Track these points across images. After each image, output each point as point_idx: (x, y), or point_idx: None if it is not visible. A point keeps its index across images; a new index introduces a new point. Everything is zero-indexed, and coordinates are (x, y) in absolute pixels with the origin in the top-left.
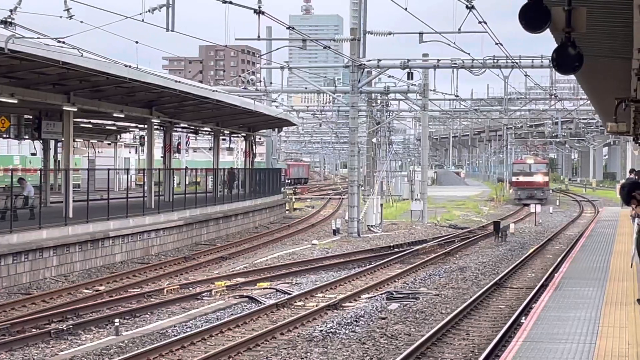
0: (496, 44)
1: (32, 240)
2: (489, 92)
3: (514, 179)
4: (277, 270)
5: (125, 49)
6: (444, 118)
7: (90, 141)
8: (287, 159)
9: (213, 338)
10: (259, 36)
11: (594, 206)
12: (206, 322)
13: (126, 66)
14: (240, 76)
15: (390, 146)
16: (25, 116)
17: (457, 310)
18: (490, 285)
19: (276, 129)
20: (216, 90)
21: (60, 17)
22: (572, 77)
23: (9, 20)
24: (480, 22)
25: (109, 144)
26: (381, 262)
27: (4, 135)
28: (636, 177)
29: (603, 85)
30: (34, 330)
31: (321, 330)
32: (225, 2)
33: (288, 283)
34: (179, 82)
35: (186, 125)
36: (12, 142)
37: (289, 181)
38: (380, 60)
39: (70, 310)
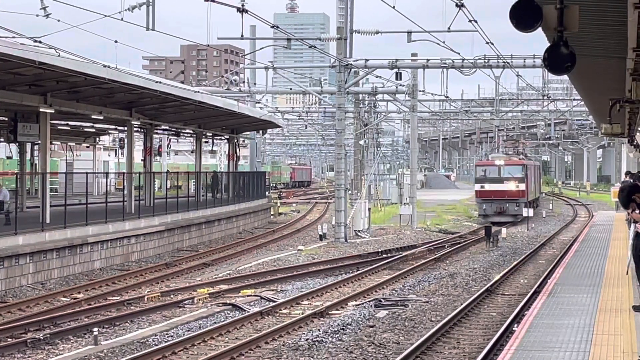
0: (487, 43)
1: (7, 246)
2: (479, 93)
3: (477, 187)
4: (262, 277)
5: (104, 48)
6: (433, 119)
7: (68, 144)
8: (291, 164)
9: (195, 347)
10: (242, 35)
11: (588, 210)
12: (188, 330)
13: (105, 66)
14: (223, 76)
15: (378, 149)
16: (0, 118)
17: (448, 318)
18: (481, 291)
19: (260, 131)
20: (198, 91)
21: (37, 15)
22: (566, 77)
23: None
24: (470, 21)
25: (87, 147)
26: (369, 268)
27: None
28: (632, 179)
29: (597, 86)
30: (9, 339)
31: (307, 339)
32: (207, 1)
33: (273, 290)
34: (160, 82)
35: (167, 127)
36: None
37: (295, 183)
38: (367, 60)
39: (48, 319)
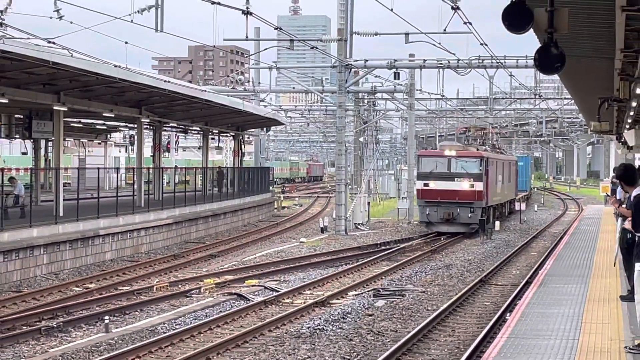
0: (481, 44)
1: (22, 238)
2: (474, 92)
3: (418, 184)
4: (266, 268)
5: (115, 49)
6: (430, 117)
7: (81, 140)
8: (307, 160)
9: (202, 335)
10: (247, 37)
11: (578, 204)
12: (195, 319)
13: (116, 66)
14: (229, 76)
15: (377, 145)
16: (16, 116)
17: (443, 307)
18: (475, 282)
19: (264, 128)
20: (205, 90)
21: (50, 17)
22: (557, 77)
23: (0, 20)
24: (465, 23)
25: (99, 143)
26: (368, 259)
27: None
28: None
29: (586, 85)
30: (24, 327)
31: (309, 327)
32: (213, 3)
33: (276, 280)
34: (168, 82)
35: (175, 125)
36: (3, 142)
37: (310, 178)
38: (367, 60)
39: (61, 308)
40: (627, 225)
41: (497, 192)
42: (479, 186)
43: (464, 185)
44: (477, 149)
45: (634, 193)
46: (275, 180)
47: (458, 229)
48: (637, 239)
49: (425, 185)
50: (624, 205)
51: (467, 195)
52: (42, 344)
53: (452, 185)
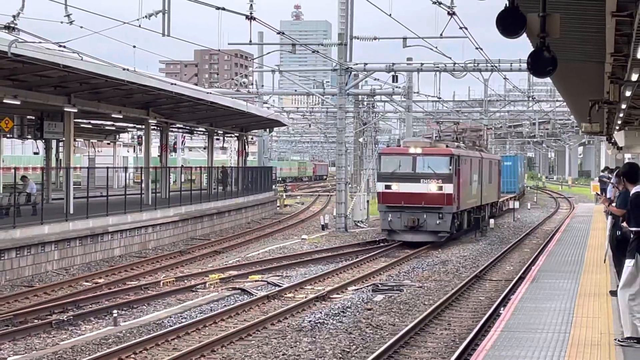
0: (476, 48)
1: (34, 235)
2: (470, 94)
3: (379, 187)
4: (268, 264)
5: (124, 53)
6: (427, 119)
7: (90, 141)
8: (313, 160)
9: (207, 328)
10: (250, 41)
11: (570, 202)
12: (200, 313)
13: (124, 69)
14: (233, 79)
15: (376, 145)
16: (28, 117)
17: (439, 302)
18: (470, 277)
19: (267, 129)
20: (210, 92)
21: (61, 22)
22: (549, 80)
23: (12, 25)
24: (461, 28)
25: (108, 144)
26: (367, 255)
27: (8, 135)
28: (609, 174)
29: (577, 88)
30: (36, 321)
31: (310, 321)
32: (218, 9)
33: (278, 276)
34: (175, 84)
35: (182, 126)
36: (16, 142)
37: (316, 177)
38: (366, 64)
39: (71, 302)
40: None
41: (473, 195)
42: (449, 188)
43: (431, 187)
44: (447, 146)
45: (634, 190)
46: (284, 178)
47: (425, 238)
48: (631, 235)
49: (387, 187)
50: (614, 204)
51: (435, 199)
52: (53, 336)
53: (418, 187)
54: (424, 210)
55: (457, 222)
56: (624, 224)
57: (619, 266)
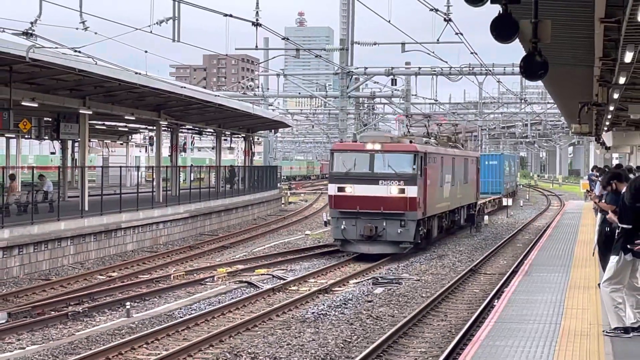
0: (471, 53)
1: (51, 231)
2: (465, 97)
3: (331, 189)
4: (274, 258)
5: (136, 57)
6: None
7: (104, 141)
8: (320, 159)
9: (215, 319)
10: (256, 46)
11: (560, 200)
12: (209, 305)
13: (137, 73)
14: (240, 82)
15: None
16: (45, 119)
17: (436, 294)
18: (466, 271)
19: (273, 130)
20: (218, 95)
21: (77, 28)
22: (541, 83)
23: (30, 31)
24: (457, 34)
25: (121, 144)
26: None
27: (26, 136)
28: (599, 174)
29: (568, 91)
30: (52, 312)
31: (313, 312)
32: (226, 16)
33: (283, 269)
34: (185, 87)
35: (191, 127)
36: (33, 142)
37: (324, 175)
38: (366, 68)
39: (86, 295)
40: (611, 216)
41: (444, 197)
42: (412, 191)
43: (391, 190)
44: (411, 141)
45: (624, 189)
46: (294, 176)
47: (383, 250)
48: (616, 232)
49: (340, 190)
50: (603, 201)
51: (396, 204)
52: (69, 327)
53: (376, 190)
54: (383, 217)
55: (423, 230)
56: (610, 217)
57: (604, 261)
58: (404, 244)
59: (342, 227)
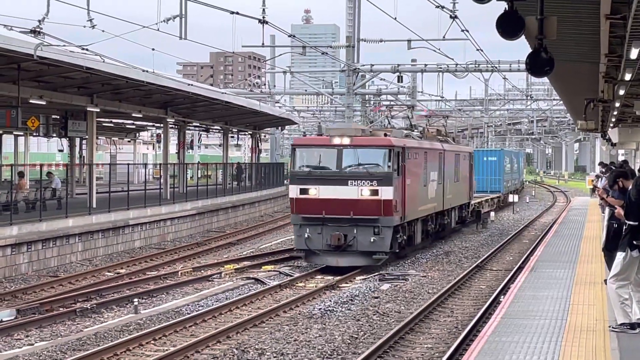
0: (477, 50)
1: (59, 228)
2: (471, 94)
3: (292, 191)
4: (280, 255)
5: (143, 55)
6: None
7: (112, 138)
8: None
9: (223, 316)
10: (263, 43)
11: (566, 196)
12: (216, 301)
13: (144, 71)
14: (246, 80)
15: None
16: (53, 116)
17: (443, 290)
18: (472, 267)
19: (279, 128)
20: (225, 93)
21: (84, 26)
22: (546, 79)
23: (38, 29)
24: (462, 31)
25: (128, 141)
26: None
27: (34, 134)
28: (605, 170)
29: (574, 87)
30: (61, 309)
31: (320, 309)
32: (232, 13)
33: (290, 266)
34: (192, 85)
35: (198, 124)
36: (42, 140)
37: None
38: (373, 65)
39: (94, 291)
40: (619, 212)
41: (430, 198)
42: (387, 192)
43: (363, 191)
44: (387, 134)
45: (630, 186)
46: None
47: (354, 262)
48: (624, 228)
49: (303, 192)
50: (611, 195)
51: (368, 208)
52: (77, 324)
53: (345, 192)
54: (353, 223)
55: (402, 237)
56: (618, 212)
57: (610, 258)
58: (378, 255)
59: (306, 235)
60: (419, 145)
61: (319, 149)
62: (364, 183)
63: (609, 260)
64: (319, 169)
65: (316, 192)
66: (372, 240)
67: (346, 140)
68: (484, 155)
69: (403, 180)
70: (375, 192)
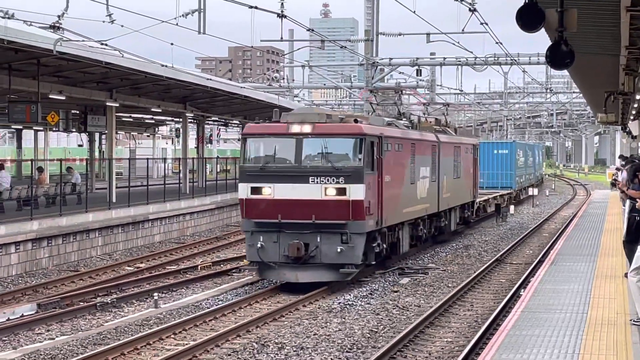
0: (496, 43)
1: (79, 222)
2: (490, 87)
3: (242, 190)
4: None
5: (162, 50)
6: (450, 111)
7: (131, 133)
8: None
9: (242, 310)
10: (282, 38)
11: (586, 189)
12: (236, 295)
13: (163, 66)
14: (265, 74)
15: None
16: (73, 111)
17: (462, 284)
18: (492, 261)
19: None
20: (244, 87)
21: (103, 21)
22: (566, 72)
23: (57, 24)
24: (482, 23)
25: (147, 136)
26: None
27: (54, 129)
28: (625, 162)
29: (593, 80)
30: (81, 303)
31: (339, 303)
32: (251, 7)
33: None
34: (211, 79)
35: (217, 119)
36: (61, 135)
37: None
38: (391, 58)
39: (114, 286)
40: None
41: (419, 198)
42: (358, 191)
43: (327, 190)
44: (357, 121)
45: None
46: None
47: (318, 276)
48: None
49: (255, 191)
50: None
51: (334, 210)
52: (98, 318)
53: (305, 191)
54: (316, 230)
55: (381, 244)
56: (638, 204)
57: (631, 251)
58: (347, 267)
59: (259, 245)
60: (403, 135)
61: (274, 138)
62: (328, 180)
63: (630, 253)
64: (274, 164)
65: (270, 191)
66: (339, 250)
67: (307, 128)
68: (494, 148)
69: (379, 177)
70: (342, 191)
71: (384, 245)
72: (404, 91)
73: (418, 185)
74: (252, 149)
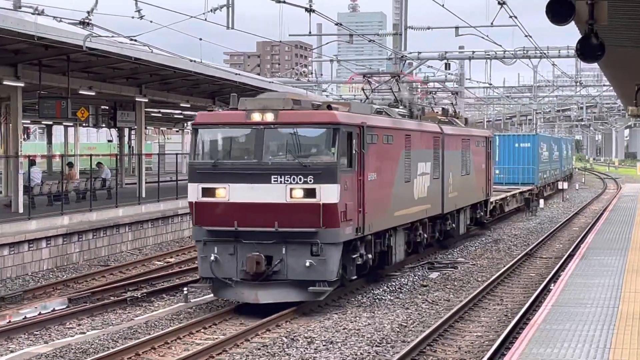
0: (526, 36)
1: (109, 217)
2: (519, 80)
3: (192, 193)
4: None
5: (190, 45)
6: (478, 104)
7: (160, 128)
8: None
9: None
10: (310, 32)
11: (617, 183)
12: None
13: (191, 61)
14: (293, 69)
15: None
16: (102, 107)
17: (492, 278)
18: (521, 255)
19: None
20: (272, 82)
21: (132, 17)
22: (596, 65)
23: (87, 20)
24: (511, 17)
25: (176, 131)
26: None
27: (84, 124)
28: None
29: (624, 73)
30: (112, 297)
31: (369, 297)
32: (279, 2)
33: None
34: (239, 74)
35: None
36: (91, 130)
37: None
38: (420, 52)
39: (144, 280)
40: None
41: (416, 198)
42: (330, 192)
43: (294, 191)
44: (331, 107)
45: None
46: None
47: (283, 295)
48: None
49: (207, 193)
50: None
51: (302, 216)
52: (128, 312)
53: (267, 192)
54: (280, 240)
55: (364, 256)
56: None
57: None
58: (319, 284)
59: (212, 257)
60: (394, 125)
61: (229, 129)
62: (294, 179)
63: None
64: (229, 160)
65: (225, 193)
66: (308, 264)
67: (270, 117)
68: (514, 141)
69: (360, 175)
70: (311, 193)
71: (369, 256)
72: (434, 84)
73: (415, 184)
74: (203, 141)
